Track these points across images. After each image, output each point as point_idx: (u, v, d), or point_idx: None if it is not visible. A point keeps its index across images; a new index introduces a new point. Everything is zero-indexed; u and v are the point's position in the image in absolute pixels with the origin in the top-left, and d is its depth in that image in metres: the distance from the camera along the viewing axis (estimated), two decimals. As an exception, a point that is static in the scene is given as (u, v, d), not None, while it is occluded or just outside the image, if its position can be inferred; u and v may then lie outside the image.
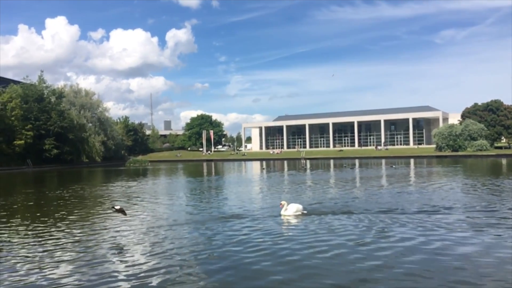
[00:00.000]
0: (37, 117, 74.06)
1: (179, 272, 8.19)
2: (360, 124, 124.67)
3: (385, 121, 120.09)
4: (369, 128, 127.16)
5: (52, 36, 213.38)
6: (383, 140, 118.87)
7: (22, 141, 68.83)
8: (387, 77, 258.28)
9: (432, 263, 8.36)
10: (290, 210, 14.17)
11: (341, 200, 18.18)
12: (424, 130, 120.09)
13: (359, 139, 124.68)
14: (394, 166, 49.37)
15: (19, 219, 15.48)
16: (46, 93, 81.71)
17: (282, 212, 14.19)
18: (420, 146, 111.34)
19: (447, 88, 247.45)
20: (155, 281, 7.67)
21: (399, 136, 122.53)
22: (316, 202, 17.46)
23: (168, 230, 12.33)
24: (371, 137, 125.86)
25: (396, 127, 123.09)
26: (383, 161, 71.61)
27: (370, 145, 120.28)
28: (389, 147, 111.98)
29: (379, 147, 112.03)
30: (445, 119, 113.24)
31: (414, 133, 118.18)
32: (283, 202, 14.63)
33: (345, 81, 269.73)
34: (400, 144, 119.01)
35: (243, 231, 11.82)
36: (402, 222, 12.49)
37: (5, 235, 12.45)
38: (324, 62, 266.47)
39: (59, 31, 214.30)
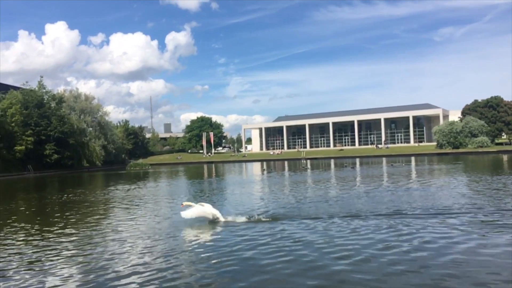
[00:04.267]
0: (37, 122, 74.08)
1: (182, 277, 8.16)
2: (360, 123, 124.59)
3: (386, 119, 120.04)
4: (369, 127, 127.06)
5: (52, 41, 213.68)
6: (383, 138, 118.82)
7: (23, 147, 68.84)
8: (386, 75, 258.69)
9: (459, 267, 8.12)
10: (193, 212, 13.14)
11: (342, 201, 18.13)
12: (424, 127, 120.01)
13: (359, 138, 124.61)
14: (394, 165, 49.36)
15: (21, 225, 15.45)
16: (46, 99, 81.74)
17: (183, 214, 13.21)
18: (421, 144, 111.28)
19: (447, 86, 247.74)
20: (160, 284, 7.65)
21: (399, 134, 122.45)
22: (313, 203, 17.44)
23: (172, 233, 12.32)
24: (372, 136, 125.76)
25: (397, 125, 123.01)
26: (384, 159, 71.59)
27: (371, 144, 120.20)
28: (389, 145, 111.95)
29: (379, 146, 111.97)
30: (446, 117, 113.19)
31: (414, 131, 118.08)
32: (184, 203, 13.81)
33: (344, 81, 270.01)
34: (401, 142, 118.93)
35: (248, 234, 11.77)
36: (412, 224, 12.04)
37: (8, 240, 12.44)
38: (323, 62, 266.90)
39: (59, 36, 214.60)
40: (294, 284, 7.36)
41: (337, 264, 8.39)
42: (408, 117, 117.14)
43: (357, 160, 72.26)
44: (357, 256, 8.90)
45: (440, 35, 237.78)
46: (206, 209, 13.33)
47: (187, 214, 13.15)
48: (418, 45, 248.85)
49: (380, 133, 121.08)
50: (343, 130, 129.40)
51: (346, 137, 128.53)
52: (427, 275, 7.52)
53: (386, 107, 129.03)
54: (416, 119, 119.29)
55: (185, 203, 13.84)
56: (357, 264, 8.37)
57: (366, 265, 8.29)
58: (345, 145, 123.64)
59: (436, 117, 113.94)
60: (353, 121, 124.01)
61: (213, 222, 13.40)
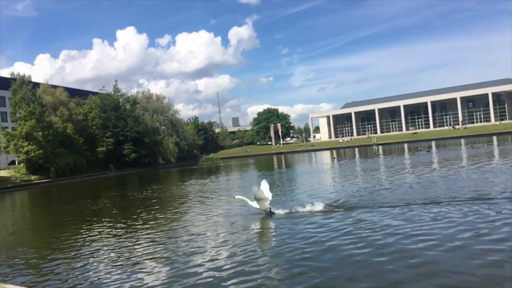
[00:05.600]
0: (115, 124, 78.71)
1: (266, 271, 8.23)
2: (434, 104, 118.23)
3: (462, 98, 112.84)
4: (444, 108, 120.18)
5: (124, 46, 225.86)
6: (460, 118, 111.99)
7: (104, 148, 73.65)
8: (460, 52, 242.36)
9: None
10: (257, 204, 13.19)
11: (420, 187, 17.35)
12: (506, 104, 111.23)
13: (433, 119, 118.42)
14: (474, 146, 46.38)
15: (107, 220, 16.49)
16: (121, 101, 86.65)
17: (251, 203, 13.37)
18: (502, 122, 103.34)
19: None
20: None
21: (478, 113, 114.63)
22: (391, 191, 16.84)
23: (247, 225, 12.52)
24: (447, 116, 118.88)
25: (475, 104, 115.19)
26: (462, 141, 67.57)
27: (447, 125, 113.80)
28: (468, 125, 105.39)
29: (456, 127, 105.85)
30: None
31: (495, 109, 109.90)
32: (236, 197, 14.00)
33: (414, 61, 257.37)
34: (480, 122, 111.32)
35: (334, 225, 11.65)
36: (502, 210, 11.14)
37: (96, 235, 13.35)
38: (390, 43, 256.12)
39: (130, 41, 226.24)
40: (386, 274, 7.15)
41: (427, 255, 7.98)
42: (487, 94, 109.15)
43: (433, 143, 68.84)
44: (445, 245, 8.44)
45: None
46: (262, 193, 13.14)
47: (254, 204, 13.36)
48: (493, 16, 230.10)
49: (457, 113, 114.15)
50: (415, 112, 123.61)
51: (420, 120, 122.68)
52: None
53: (462, 85, 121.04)
54: (496, 95, 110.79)
55: (237, 197, 14.15)
56: (447, 253, 7.94)
57: (456, 255, 7.84)
58: (419, 128, 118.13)
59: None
60: (426, 102, 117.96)
61: (268, 214, 13.37)
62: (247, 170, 46.73)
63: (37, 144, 56.28)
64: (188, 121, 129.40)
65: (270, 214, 13.38)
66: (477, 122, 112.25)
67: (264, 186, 13.47)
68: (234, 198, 14.48)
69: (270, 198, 13.35)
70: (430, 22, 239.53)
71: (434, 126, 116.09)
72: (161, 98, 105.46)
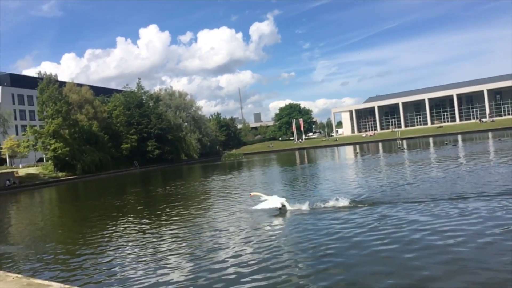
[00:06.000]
0: (138, 121, 79.77)
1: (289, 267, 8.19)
2: (460, 97, 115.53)
3: (489, 90, 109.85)
4: (470, 100, 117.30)
5: (146, 44, 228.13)
6: (487, 111, 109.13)
7: (128, 145, 74.73)
8: (486, 43, 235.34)
9: None
10: (264, 205, 13.42)
11: (446, 182, 16.97)
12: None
13: (459, 113, 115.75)
14: (502, 139, 45.15)
15: (132, 216, 16.72)
16: (144, 99, 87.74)
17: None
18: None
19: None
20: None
21: (506, 106, 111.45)
22: (416, 185, 16.53)
23: (270, 221, 12.49)
24: (474, 109, 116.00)
25: (502, 96, 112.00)
26: (490, 134, 65.86)
27: (473, 119, 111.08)
28: (495, 118, 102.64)
29: (483, 120, 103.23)
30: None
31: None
32: (252, 194, 14.03)
33: (439, 53, 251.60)
34: (508, 115, 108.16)
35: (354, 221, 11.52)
36: None
37: (121, 231, 13.55)
38: (413, 35, 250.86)
39: (152, 39, 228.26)
40: (413, 271, 7.01)
41: (455, 251, 7.80)
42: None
43: (459, 137, 67.39)
44: (474, 241, 8.23)
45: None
46: (275, 200, 13.55)
47: (259, 206, 13.59)
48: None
49: (484, 106, 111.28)
50: (441, 105, 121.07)
51: (445, 113, 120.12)
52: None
53: (489, 77, 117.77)
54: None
55: (253, 193, 14.16)
56: (476, 250, 7.73)
57: (486, 251, 7.63)
58: (444, 122, 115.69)
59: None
60: (451, 96, 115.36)
61: (282, 210, 13.41)
62: (269, 165, 46.69)
63: (64, 142, 57.51)
64: (210, 117, 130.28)
65: (282, 209, 13.48)
66: (505, 115, 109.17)
67: (273, 200, 13.68)
68: (250, 195, 14.58)
69: (282, 202, 13.54)
70: (454, 13, 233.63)
71: (460, 120, 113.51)
72: (184, 95, 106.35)
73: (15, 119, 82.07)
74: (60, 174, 57.46)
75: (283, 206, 13.54)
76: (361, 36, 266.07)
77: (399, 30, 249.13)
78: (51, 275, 8.89)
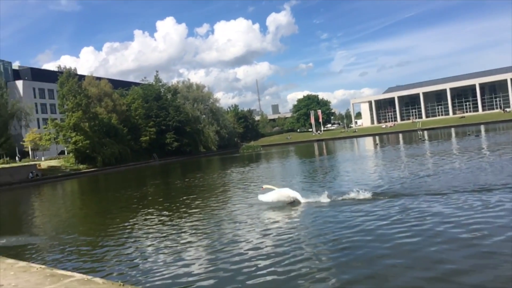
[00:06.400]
0: (157, 114, 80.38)
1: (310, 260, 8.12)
2: (482, 86, 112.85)
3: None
4: (494, 90, 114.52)
5: (164, 37, 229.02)
6: (511, 101, 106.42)
7: (147, 137, 75.43)
8: (510, 31, 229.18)
9: None
10: (270, 197, 13.32)
11: (468, 173, 16.61)
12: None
13: (482, 103, 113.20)
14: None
15: (152, 208, 16.85)
16: (162, 91, 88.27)
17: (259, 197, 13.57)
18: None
19: None
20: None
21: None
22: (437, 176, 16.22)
23: (290, 213, 12.42)
24: (497, 99, 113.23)
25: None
26: (514, 124, 64.31)
27: (496, 108, 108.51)
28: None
29: (507, 110, 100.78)
30: None
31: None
32: (264, 186, 13.94)
33: (460, 42, 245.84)
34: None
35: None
36: None
37: (141, 223, 13.67)
38: (434, 24, 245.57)
39: (169, 32, 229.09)
40: (439, 264, 6.85)
41: (482, 244, 7.60)
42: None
43: (482, 127, 66.00)
44: (501, 234, 8.01)
45: None
46: (284, 192, 13.44)
47: (264, 197, 13.50)
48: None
49: (507, 96, 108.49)
50: (463, 95, 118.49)
51: (467, 103, 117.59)
52: None
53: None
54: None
55: (265, 186, 14.17)
56: (504, 243, 7.53)
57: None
58: (467, 112, 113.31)
59: None
60: (474, 85, 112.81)
61: (294, 204, 13.32)
62: (288, 157, 46.54)
63: (84, 135, 58.37)
64: (228, 109, 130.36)
65: (294, 203, 13.47)
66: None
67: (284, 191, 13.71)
68: (262, 188, 14.57)
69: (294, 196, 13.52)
70: (476, 1, 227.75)
71: (483, 110, 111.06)
72: (201, 87, 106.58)
73: (37, 112, 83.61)
74: (81, 166, 58.42)
75: (295, 199, 13.42)
76: (379, 26, 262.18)
77: (418, 19, 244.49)
78: (74, 266, 9.01)
